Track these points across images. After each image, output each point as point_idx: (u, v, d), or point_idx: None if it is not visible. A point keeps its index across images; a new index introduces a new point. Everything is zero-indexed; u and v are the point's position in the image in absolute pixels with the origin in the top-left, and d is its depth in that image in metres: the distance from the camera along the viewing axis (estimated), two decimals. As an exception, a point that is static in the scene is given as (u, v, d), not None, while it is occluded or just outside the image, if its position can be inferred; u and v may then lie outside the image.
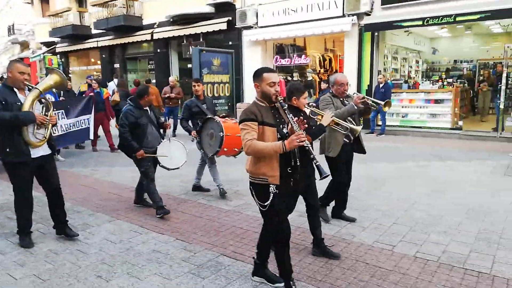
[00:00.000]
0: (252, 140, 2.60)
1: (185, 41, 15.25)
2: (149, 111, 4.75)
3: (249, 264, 3.40)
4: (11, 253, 3.72)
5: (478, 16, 8.88)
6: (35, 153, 3.65)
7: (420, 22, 9.74)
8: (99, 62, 20.14)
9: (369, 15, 10.77)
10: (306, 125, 2.73)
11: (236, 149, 5.08)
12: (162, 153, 4.71)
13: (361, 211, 4.72)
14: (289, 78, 14.06)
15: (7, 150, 3.53)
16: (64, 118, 7.66)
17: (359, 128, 4.06)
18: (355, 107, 3.90)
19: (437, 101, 10.47)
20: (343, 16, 11.05)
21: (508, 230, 4.07)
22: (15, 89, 3.58)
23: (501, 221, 4.33)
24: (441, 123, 10.36)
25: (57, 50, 21.66)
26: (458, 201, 5.04)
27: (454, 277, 3.15)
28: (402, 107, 10.95)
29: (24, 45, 27.40)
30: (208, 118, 5.17)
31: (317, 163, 2.65)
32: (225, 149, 4.94)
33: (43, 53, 22.83)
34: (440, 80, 11.09)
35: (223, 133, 4.84)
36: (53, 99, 7.65)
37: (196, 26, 14.23)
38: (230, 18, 13.47)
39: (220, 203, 5.15)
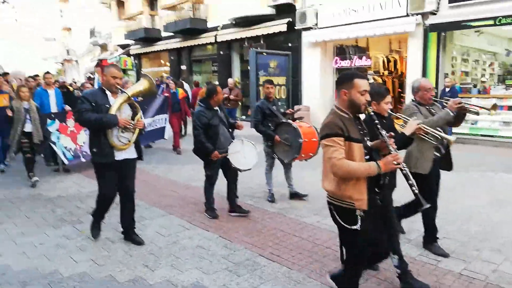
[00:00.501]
0: (342, 159, 2.28)
1: (246, 43, 15.60)
2: (219, 111, 4.71)
3: (285, 267, 3.50)
4: (76, 239, 4.18)
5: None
6: (119, 155, 3.72)
7: (491, 22, 9.01)
8: (168, 64, 21.30)
9: (435, 14, 10.19)
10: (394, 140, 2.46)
11: (311, 153, 5.10)
12: (234, 154, 4.62)
13: (410, 222, 4.53)
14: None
15: (94, 150, 3.68)
16: (142, 118, 8.27)
17: (452, 138, 3.41)
18: (451, 114, 3.40)
19: (510, 108, 9.62)
20: (407, 15, 10.58)
21: None
22: (108, 92, 3.72)
23: None
24: (515, 132, 9.52)
25: (131, 52, 23.29)
26: (520, 217, 4.66)
27: (500, 298, 2.97)
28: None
29: (103, 47, 29.81)
30: (283, 123, 5.13)
31: (416, 191, 2.40)
32: (303, 155, 4.95)
33: (119, 55, 24.72)
34: (516, 84, 10.16)
35: (301, 139, 4.83)
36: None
37: (257, 28, 14.49)
38: (290, 20, 13.52)
39: (265, 205, 5.28)
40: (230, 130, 4.84)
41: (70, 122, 7.02)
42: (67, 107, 7.24)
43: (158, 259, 3.68)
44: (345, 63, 13.21)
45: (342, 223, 2.45)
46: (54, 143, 6.80)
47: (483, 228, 4.34)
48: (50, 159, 7.52)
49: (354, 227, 2.39)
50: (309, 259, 3.66)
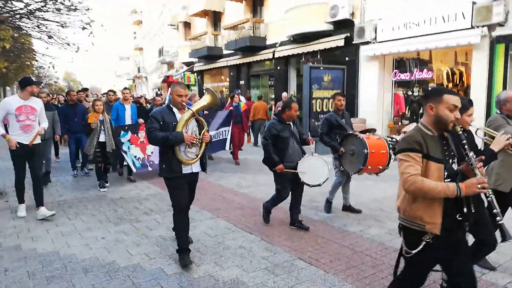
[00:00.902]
0: (415, 175, 2.12)
1: (303, 59, 15.84)
2: (292, 126, 4.71)
3: (321, 270, 3.58)
4: (132, 235, 4.60)
5: None
6: (187, 169, 3.78)
7: None
8: (228, 79, 22.22)
9: (503, 25, 9.65)
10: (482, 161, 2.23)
11: (380, 166, 4.91)
12: (303, 169, 4.58)
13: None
14: (409, 93, 13.39)
15: (163, 166, 3.77)
16: (208, 130, 8.72)
17: None
18: None
19: None
20: (472, 27, 10.13)
21: None
22: (175, 109, 3.81)
23: None
24: None
25: (195, 69, 24.64)
26: None
27: None
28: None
29: (170, 65, 31.83)
30: (349, 134, 5.02)
31: (501, 222, 2.21)
32: (369, 167, 4.78)
33: (183, 72, 26.27)
34: None
35: (367, 150, 4.67)
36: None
37: (314, 44, 14.68)
38: (348, 35, 13.54)
39: (310, 213, 5.37)
40: (301, 145, 4.78)
41: (142, 134, 7.34)
42: (141, 120, 7.57)
43: (203, 256, 3.95)
44: (405, 76, 12.87)
45: (404, 246, 2.30)
46: (125, 152, 7.17)
47: None
48: (117, 166, 8.14)
49: (413, 251, 2.21)
50: (347, 265, 3.70)
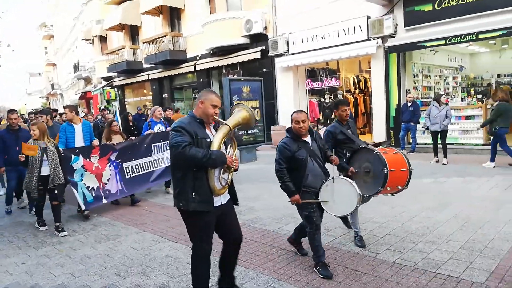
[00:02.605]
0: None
1: (224, 71, 16.36)
2: (310, 143, 3.80)
3: (242, 267, 3.94)
4: (55, 257, 4.56)
5: (500, 32, 8.88)
6: (217, 201, 3.05)
7: (442, 42, 9.86)
8: (150, 93, 21.95)
9: (394, 37, 11.06)
10: None
11: (399, 186, 4.08)
12: (326, 196, 3.74)
13: (360, 224, 5.05)
14: (322, 100, 14.54)
15: (192, 195, 2.89)
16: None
17: None
18: None
19: (467, 118, 10.37)
20: (368, 39, 11.43)
21: (496, 241, 4.23)
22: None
23: (493, 233, 4.47)
24: (473, 140, 10.22)
25: (114, 83, 23.93)
26: (460, 214, 5.20)
27: (422, 279, 3.45)
28: (433, 124, 10.93)
29: (87, 80, 30.45)
30: (362, 149, 4.18)
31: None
32: (388, 188, 3.98)
33: (103, 87, 25.34)
34: (469, 97, 10.95)
35: (387, 169, 3.85)
36: (163, 129, 7.60)
37: (233, 57, 15.28)
38: (264, 47, 14.35)
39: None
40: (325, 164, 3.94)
41: (94, 158, 6.26)
42: (95, 142, 6.34)
43: (130, 269, 4.09)
44: (316, 85, 13.98)
45: None
46: (75, 184, 5.96)
47: (423, 225, 4.87)
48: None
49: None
50: (265, 259, 4.12)
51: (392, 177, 3.90)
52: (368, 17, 11.39)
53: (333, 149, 4.25)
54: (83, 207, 6.02)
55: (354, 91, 15.78)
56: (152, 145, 7.24)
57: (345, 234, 4.72)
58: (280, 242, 4.60)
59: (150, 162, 7.21)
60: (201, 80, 17.91)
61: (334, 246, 4.38)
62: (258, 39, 14.63)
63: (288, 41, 13.67)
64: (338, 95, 13.21)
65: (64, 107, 6.67)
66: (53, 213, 5.46)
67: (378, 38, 11.25)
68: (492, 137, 8.33)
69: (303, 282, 3.55)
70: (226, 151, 3.04)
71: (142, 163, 7.07)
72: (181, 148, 2.78)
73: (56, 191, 5.46)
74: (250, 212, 5.98)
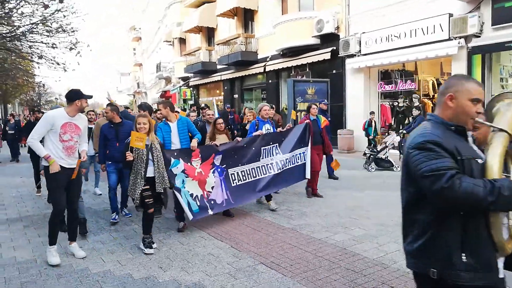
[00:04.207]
0: None
1: (293, 72, 16.23)
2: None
3: (280, 274, 3.81)
4: (108, 244, 4.83)
5: None
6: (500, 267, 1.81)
7: (535, 41, 8.67)
8: (222, 93, 22.63)
9: (479, 36, 9.99)
10: None
11: None
12: None
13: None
14: (395, 104, 13.69)
15: (461, 257, 1.70)
16: (279, 153, 6.37)
17: None
18: None
19: None
20: (449, 39, 10.48)
21: None
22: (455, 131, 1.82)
23: None
24: None
25: (190, 83, 25.12)
26: None
27: None
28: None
29: (167, 80, 32.37)
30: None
31: None
32: None
33: (180, 86, 26.76)
34: None
35: None
36: (272, 130, 6.46)
37: (302, 58, 15.08)
38: (334, 48, 13.93)
39: (282, 221, 5.59)
40: None
41: (196, 162, 5.43)
42: (194, 144, 5.42)
43: (172, 262, 4.18)
44: (390, 87, 13.19)
45: None
46: (179, 190, 5.17)
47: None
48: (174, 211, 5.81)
49: None
50: (305, 268, 3.93)
51: None
52: (450, 15, 10.43)
53: None
54: (190, 216, 5.16)
55: (433, 96, 14.64)
56: (262, 148, 6.14)
57: (398, 251, 4.32)
58: (325, 251, 4.36)
59: (258, 169, 6.10)
60: (270, 81, 17.99)
61: (384, 262, 4.02)
62: (328, 39, 14.24)
63: (360, 41, 13.09)
64: (414, 99, 12.28)
65: (158, 104, 5.87)
66: (143, 222, 4.60)
67: (460, 37, 10.25)
68: None
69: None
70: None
71: (249, 169, 6.02)
72: (445, 181, 1.61)
73: (162, 196, 4.66)
74: (301, 217, 5.79)
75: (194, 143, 5.42)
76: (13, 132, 13.56)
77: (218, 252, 4.45)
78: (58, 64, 10.12)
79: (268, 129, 6.39)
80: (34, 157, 7.21)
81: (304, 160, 6.77)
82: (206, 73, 22.78)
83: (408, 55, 11.53)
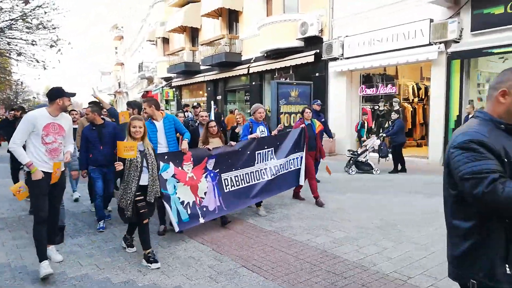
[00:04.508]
0: None
1: (277, 74, 16.28)
2: None
3: (261, 277, 3.79)
4: (86, 247, 4.73)
5: None
6: None
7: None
8: (205, 94, 22.51)
9: (458, 42, 10.23)
10: None
11: None
12: None
13: (396, 243, 4.68)
14: (376, 107, 13.90)
15: (505, 269, 1.59)
16: (273, 158, 6.16)
17: None
18: None
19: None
20: (430, 44, 10.70)
21: None
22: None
23: None
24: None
25: (173, 84, 24.90)
26: None
27: None
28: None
29: (150, 80, 32.00)
30: None
31: None
32: None
33: (162, 87, 26.49)
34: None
35: None
36: (266, 133, 6.22)
37: (286, 60, 15.14)
38: (318, 51, 14.04)
39: (264, 224, 5.58)
40: None
41: (187, 166, 5.11)
42: (184, 145, 5.10)
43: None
44: (371, 91, 13.38)
45: None
46: (168, 198, 4.85)
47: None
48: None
49: None
50: (286, 271, 3.93)
51: None
52: (431, 20, 10.66)
53: None
54: (176, 228, 4.83)
55: (413, 100, 14.92)
56: (256, 152, 5.91)
57: (377, 253, 4.37)
58: (306, 254, 4.38)
59: (252, 174, 5.88)
60: (253, 83, 18.00)
61: (364, 264, 4.06)
62: (312, 42, 14.35)
63: (343, 45, 13.24)
64: (394, 103, 12.49)
65: (144, 102, 5.43)
66: (141, 236, 4.20)
67: (440, 43, 10.48)
68: None
69: None
70: None
71: (243, 174, 5.77)
72: (486, 185, 1.50)
73: (154, 206, 4.50)
74: (283, 219, 5.79)
75: (185, 145, 5.09)
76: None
77: (199, 255, 4.40)
78: (37, 61, 9.87)
79: (262, 131, 6.15)
80: (14, 157, 6.93)
81: (298, 166, 6.56)
82: (189, 73, 22.63)
83: (389, 59, 11.72)
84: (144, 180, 4.16)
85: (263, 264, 4.11)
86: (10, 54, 9.91)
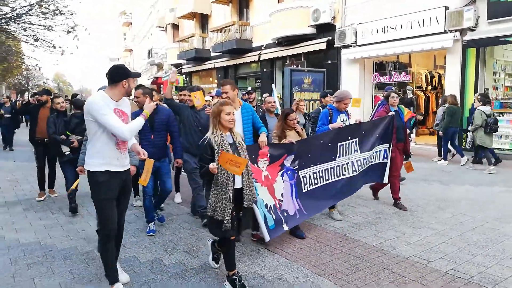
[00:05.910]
0: None
1: (288, 61, 16.23)
2: None
3: (283, 258, 3.90)
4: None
5: None
6: None
7: (530, 36, 8.83)
8: (216, 81, 22.51)
9: (474, 30, 10.13)
10: None
11: None
12: None
13: (415, 228, 4.76)
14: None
15: None
16: (357, 151, 5.23)
17: None
18: None
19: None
20: (445, 32, 10.60)
21: None
22: None
23: None
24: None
25: (183, 70, 24.89)
26: (532, 229, 4.66)
27: (477, 295, 3.15)
28: (512, 129, 9.90)
29: (159, 66, 32.00)
30: None
31: None
32: None
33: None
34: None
35: None
36: (348, 122, 5.29)
37: (298, 47, 15.07)
38: (330, 38, 13.96)
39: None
40: None
41: (263, 163, 4.27)
42: (262, 139, 4.29)
43: (177, 246, 4.25)
44: (384, 79, 13.32)
45: None
46: (255, 201, 3.76)
47: (485, 237, 4.43)
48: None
49: None
50: (307, 253, 4.04)
51: None
52: (447, 8, 10.54)
53: None
54: (267, 238, 4.06)
55: (426, 88, 14.82)
56: (339, 144, 5.02)
57: (396, 238, 4.46)
58: (326, 238, 4.48)
59: (333, 169, 5.00)
60: (264, 70, 17.96)
61: (383, 248, 4.15)
62: (325, 29, 14.25)
63: (356, 32, 13.14)
64: (408, 90, 12.44)
65: (225, 84, 4.59)
66: (225, 256, 3.37)
67: (456, 31, 10.38)
68: None
69: (344, 280, 3.41)
70: None
71: (322, 170, 4.89)
72: None
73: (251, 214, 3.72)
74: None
75: (264, 137, 4.27)
76: (9, 115, 12.46)
77: (221, 237, 4.52)
78: (54, 47, 9.95)
79: (344, 120, 5.20)
80: (43, 151, 6.30)
81: (384, 159, 5.58)
82: (199, 60, 22.59)
83: (404, 47, 11.63)
84: (238, 182, 3.30)
85: (284, 247, 4.22)
86: (26, 40, 10.02)
